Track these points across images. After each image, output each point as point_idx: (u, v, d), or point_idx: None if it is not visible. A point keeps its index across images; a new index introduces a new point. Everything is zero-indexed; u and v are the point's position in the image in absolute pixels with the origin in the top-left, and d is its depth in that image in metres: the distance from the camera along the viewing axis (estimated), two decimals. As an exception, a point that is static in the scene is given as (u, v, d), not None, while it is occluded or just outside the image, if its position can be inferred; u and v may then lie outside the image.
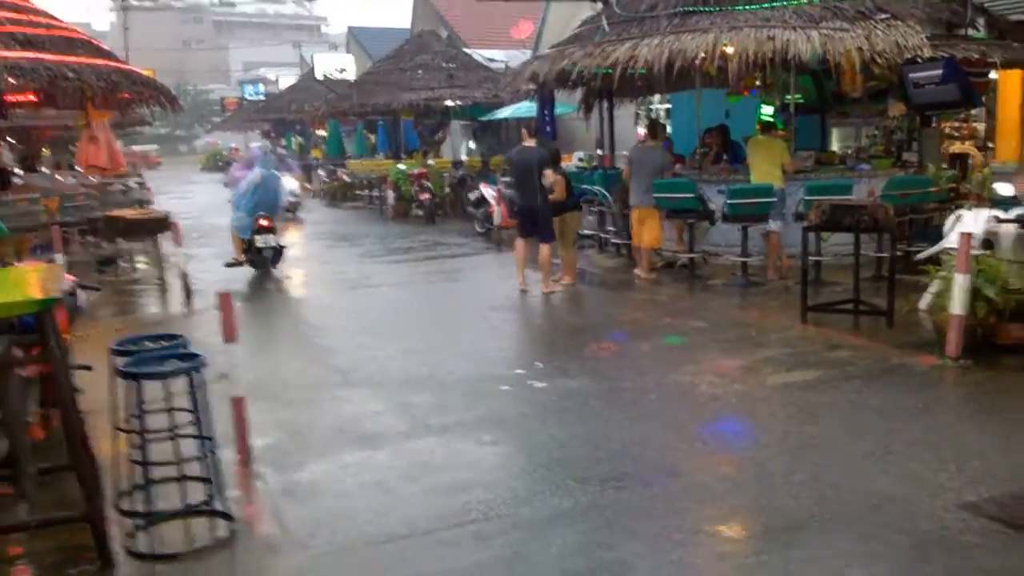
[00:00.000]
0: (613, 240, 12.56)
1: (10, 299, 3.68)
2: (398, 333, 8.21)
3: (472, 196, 16.03)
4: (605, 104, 14.40)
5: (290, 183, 17.27)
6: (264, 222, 11.24)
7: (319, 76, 30.34)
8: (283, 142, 41.42)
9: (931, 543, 3.86)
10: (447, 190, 19.31)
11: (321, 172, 27.40)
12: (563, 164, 11.12)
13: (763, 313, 8.66)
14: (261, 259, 11.39)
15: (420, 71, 22.41)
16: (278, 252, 11.55)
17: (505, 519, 4.22)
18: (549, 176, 9.59)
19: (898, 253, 8.41)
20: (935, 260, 7.50)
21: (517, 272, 9.96)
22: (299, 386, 6.60)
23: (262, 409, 5.86)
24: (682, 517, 4.20)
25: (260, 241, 11.25)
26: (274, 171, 12.07)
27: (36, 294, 3.73)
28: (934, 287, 7.13)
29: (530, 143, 9.89)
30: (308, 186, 24.89)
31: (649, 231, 10.47)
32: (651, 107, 19.75)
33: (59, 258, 9.33)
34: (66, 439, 3.87)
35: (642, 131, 10.93)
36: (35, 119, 17.27)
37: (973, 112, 13.77)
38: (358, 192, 23.81)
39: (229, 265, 11.47)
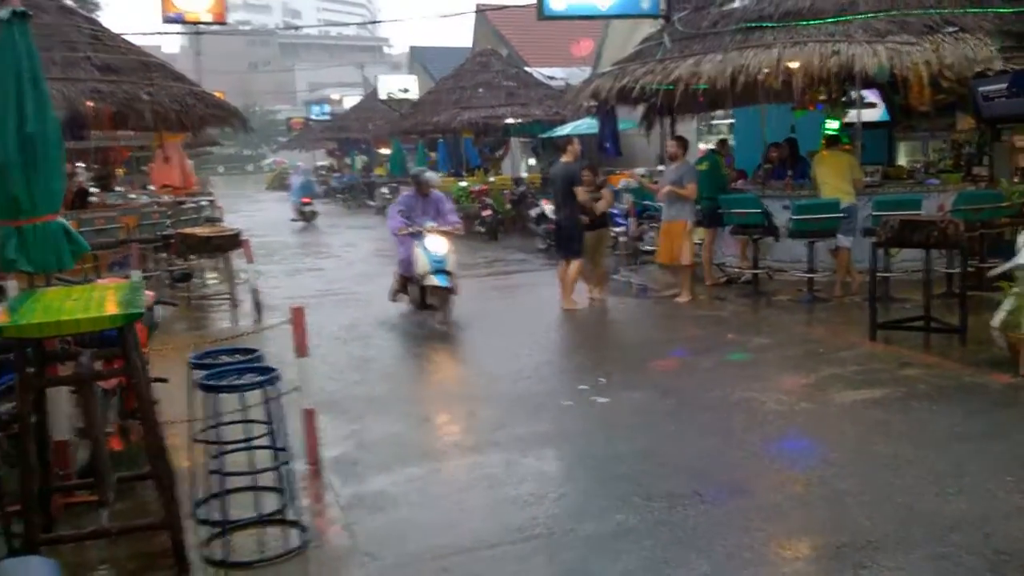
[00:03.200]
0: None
1: (95, 314, 3.83)
2: (461, 348, 8.28)
3: (533, 212, 16.12)
4: (667, 120, 14.37)
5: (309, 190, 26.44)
6: (306, 199, 24.18)
7: (382, 96, 30.85)
8: (347, 160, 42.17)
9: (1007, 565, 3.76)
10: (508, 207, 19.43)
11: (384, 190, 27.78)
12: (611, 182, 10.93)
13: (830, 330, 8.53)
14: (309, 215, 24.01)
15: (481, 89, 22.63)
16: (315, 214, 24.25)
17: (571, 534, 4.24)
18: (580, 193, 9.67)
19: (969, 269, 8.23)
20: (1008, 276, 7.31)
21: (563, 294, 9.99)
22: (365, 398, 6.71)
23: (331, 421, 5.99)
24: (751, 536, 4.16)
25: (305, 208, 24.04)
26: (308, 179, 25.96)
27: (120, 309, 3.87)
28: (1007, 304, 6.95)
29: (567, 158, 10.03)
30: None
31: (677, 245, 10.15)
32: (712, 122, 19.64)
33: (136, 274, 9.63)
34: (146, 449, 4.00)
35: (671, 148, 10.54)
36: (111, 140, 17.87)
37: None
38: (420, 209, 24.05)
39: (394, 300, 10.15)
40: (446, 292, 9.03)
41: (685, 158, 10.39)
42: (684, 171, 10.17)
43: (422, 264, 8.97)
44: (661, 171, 15.12)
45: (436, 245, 9.04)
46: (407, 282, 9.59)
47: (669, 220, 10.23)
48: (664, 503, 4.53)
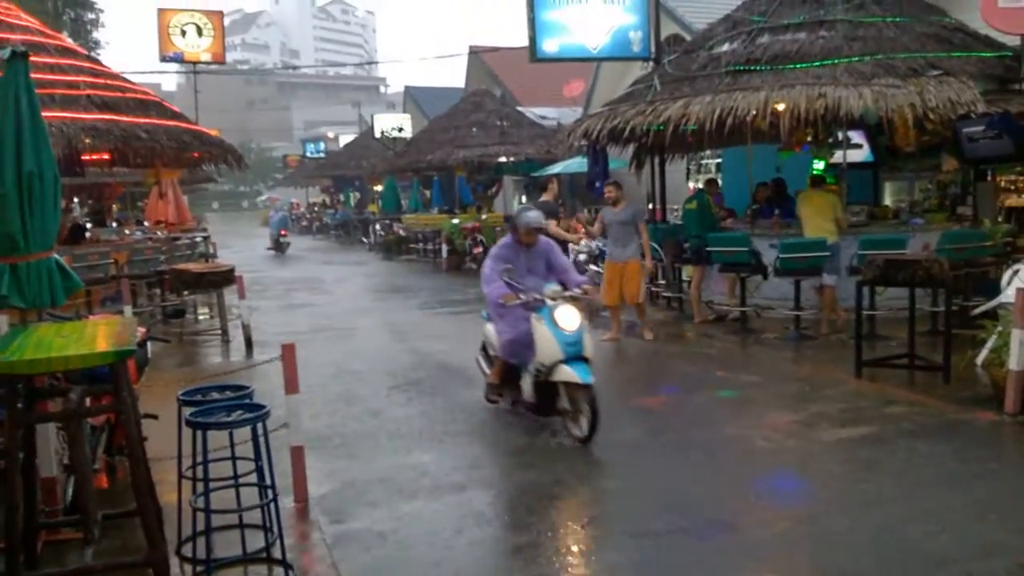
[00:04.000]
0: (664, 293, 12.60)
1: (88, 351, 3.86)
2: (451, 384, 8.30)
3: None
4: (656, 159, 14.55)
5: (285, 224, 30.42)
6: (283, 231, 27.41)
7: (377, 134, 31.12)
8: (341, 197, 42.38)
9: (990, 604, 3.79)
10: (500, 244, 19.51)
11: (377, 226, 27.95)
12: (553, 226, 10.58)
13: (817, 367, 8.59)
14: (283, 245, 27.38)
15: (474, 128, 22.92)
16: (288, 244, 27.95)
17: (559, 574, 4.25)
18: (551, 227, 9.85)
19: (954, 308, 8.31)
20: (992, 315, 7.40)
21: None
22: (354, 435, 6.72)
23: (319, 458, 6.00)
24: (738, 573, 4.18)
25: (281, 239, 27.46)
26: (284, 215, 31.97)
27: (111, 346, 3.91)
28: (992, 342, 7.03)
29: (546, 197, 10.73)
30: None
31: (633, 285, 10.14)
32: (702, 162, 19.85)
33: (127, 310, 9.67)
34: (133, 486, 4.01)
35: (611, 193, 10.19)
36: (107, 176, 17.99)
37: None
38: (412, 246, 24.24)
39: (492, 400, 7.37)
40: (587, 390, 6.13)
41: (626, 200, 10.31)
42: (635, 211, 10.24)
43: (551, 349, 6.25)
44: (652, 209, 15.30)
45: (568, 319, 6.32)
46: (513, 373, 6.85)
47: (621, 261, 10.08)
48: (652, 541, 4.55)
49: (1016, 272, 7.64)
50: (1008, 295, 7.10)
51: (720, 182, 14.83)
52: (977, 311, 8.03)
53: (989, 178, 12.11)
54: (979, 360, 7.30)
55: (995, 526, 4.58)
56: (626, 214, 10.08)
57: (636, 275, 10.13)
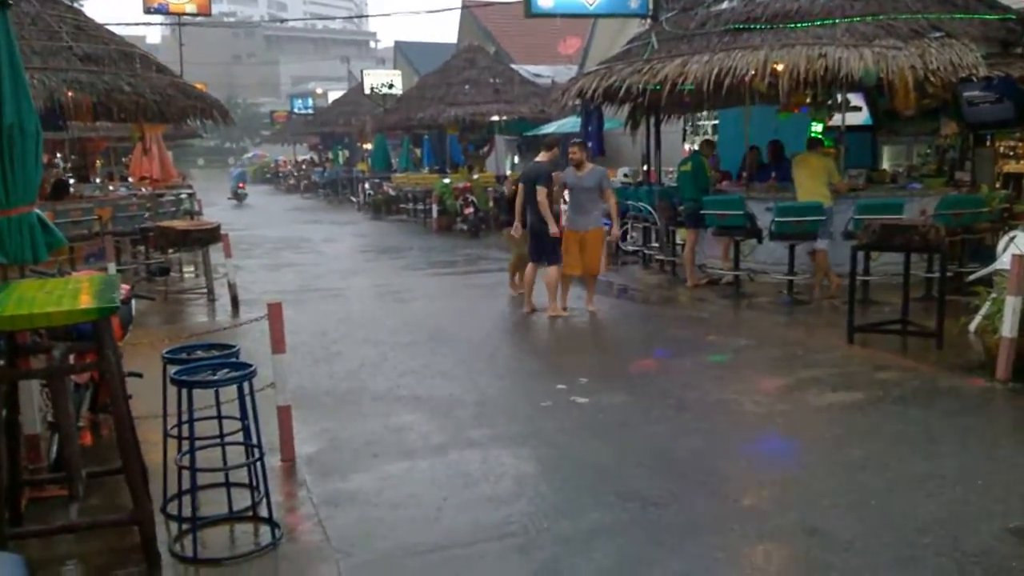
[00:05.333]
0: (657, 256, 12.53)
1: (70, 307, 3.77)
2: (440, 346, 8.25)
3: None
4: (652, 120, 14.39)
5: (243, 178, 35.28)
6: (241, 184, 32.92)
7: (367, 91, 30.75)
8: (329, 155, 42.01)
9: (975, 567, 3.78)
10: (491, 205, 19.40)
11: (366, 185, 27.70)
12: (542, 195, 9.72)
13: (809, 332, 8.56)
14: (241, 197, 32.13)
15: (467, 86, 22.60)
16: (246, 195, 32.68)
17: (546, 533, 4.22)
18: (539, 193, 9.25)
19: (949, 274, 8.26)
20: (987, 281, 7.36)
21: (525, 296, 9.78)
22: (342, 395, 6.67)
23: (306, 418, 5.95)
24: (725, 536, 4.16)
25: (239, 191, 32.26)
26: (241, 170, 37.24)
27: (95, 303, 3.82)
28: (985, 309, 7.00)
29: (541, 158, 9.68)
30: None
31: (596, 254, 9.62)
32: (698, 123, 19.68)
33: (111, 267, 9.54)
34: (118, 444, 3.94)
35: (575, 155, 9.50)
36: (91, 131, 17.72)
37: (1029, 131, 13.51)
38: (402, 206, 24.05)
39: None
40: None
41: (591, 163, 9.71)
42: (601, 176, 9.52)
43: None
44: (646, 171, 15.17)
45: None
46: None
47: (583, 229, 9.45)
48: (640, 503, 4.52)
49: (1012, 239, 7.59)
50: (1004, 261, 7.05)
51: (716, 144, 14.68)
52: (972, 277, 7.99)
53: (988, 143, 12.02)
54: (972, 327, 7.28)
55: (983, 492, 4.57)
56: (591, 180, 9.43)
57: (599, 245, 9.64)
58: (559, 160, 9.87)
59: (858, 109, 13.34)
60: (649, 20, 14.81)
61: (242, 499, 4.49)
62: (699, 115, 18.20)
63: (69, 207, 11.38)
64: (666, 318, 9.71)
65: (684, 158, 12.44)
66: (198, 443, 4.22)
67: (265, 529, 4.30)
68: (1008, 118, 10.60)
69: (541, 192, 9.27)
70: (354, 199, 29.81)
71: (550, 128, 20.48)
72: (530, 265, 9.71)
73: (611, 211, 9.73)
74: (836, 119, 12.30)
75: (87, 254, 10.53)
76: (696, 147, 13.45)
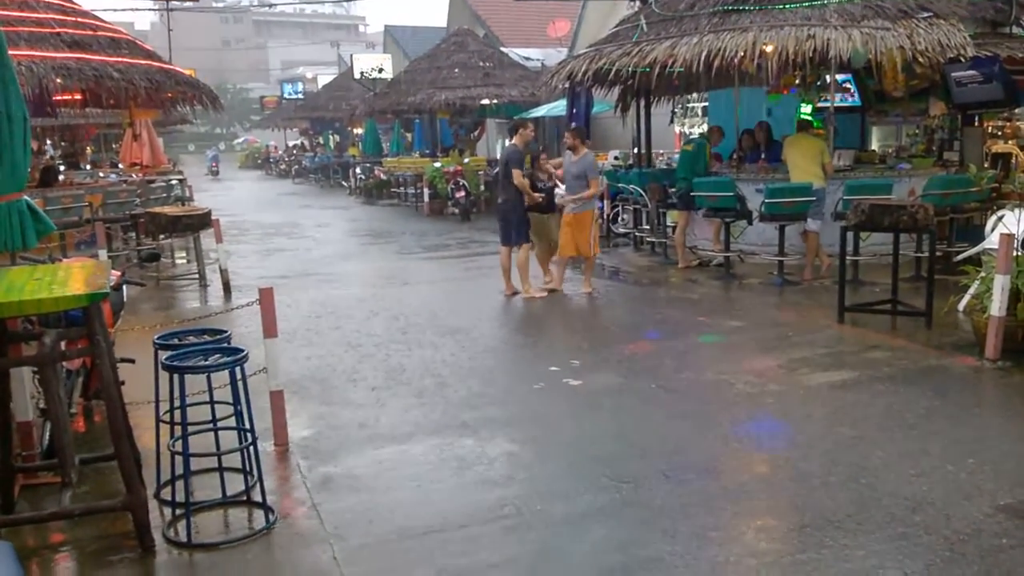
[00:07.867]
0: (648, 238, 12.55)
1: (61, 294, 3.76)
2: (433, 330, 8.26)
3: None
4: (642, 102, 14.36)
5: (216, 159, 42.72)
6: (215, 164, 42.27)
7: (357, 75, 30.58)
8: (320, 140, 41.83)
9: (966, 544, 3.82)
10: (482, 188, 19.38)
11: (358, 170, 27.61)
12: (550, 165, 10.26)
13: (800, 313, 8.60)
14: (216, 173, 40.21)
15: (457, 70, 22.51)
16: (218, 172, 41.31)
17: (539, 514, 4.25)
18: (516, 176, 9.36)
19: (938, 253, 8.30)
20: (975, 261, 7.40)
21: (503, 279, 9.80)
22: (334, 379, 6.68)
23: (299, 403, 5.96)
24: (717, 516, 4.19)
25: (213, 169, 41.28)
26: (215, 153, 45.38)
27: (85, 289, 3.81)
28: (974, 288, 7.05)
29: (516, 141, 9.73)
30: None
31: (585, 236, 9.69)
32: (688, 105, 19.61)
33: (102, 254, 9.52)
34: (110, 430, 3.95)
35: (569, 140, 9.78)
36: (80, 118, 17.61)
37: (1016, 111, 13.54)
38: (394, 190, 24.00)
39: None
40: None
41: (585, 150, 9.79)
42: (587, 164, 9.62)
43: None
44: (636, 153, 15.15)
45: None
46: None
47: (574, 211, 9.61)
48: (632, 483, 4.55)
49: (1000, 218, 7.63)
50: (992, 241, 7.10)
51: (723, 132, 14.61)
52: (961, 257, 8.04)
53: (976, 124, 12.05)
54: (961, 306, 7.33)
55: (973, 470, 4.61)
56: (579, 167, 9.58)
57: (589, 226, 9.69)
58: (530, 141, 10.07)
59: (847, 90, 13.34)
60: (638, 2, 14.73)
61: (236, 484, 4.50)
62: (688, 97, 18.15)
63: (59, 194, 11.33)
64: (658, 300, 9.73)
65: (689, 138, 12.39)
66: (191, 428, 4.22)
67: (259, 514, 4.32)
68: (996, 98, 10.61)
69: (516, 174, 9.41)
70: (345, 184, 29.72)
71: (539, 111, 20.44)
72: (503, 249, 9.75)
73: (588, 195, 9.64)
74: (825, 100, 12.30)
75: (78, 241, 10.51)
76: (696, 133, 13.37)
